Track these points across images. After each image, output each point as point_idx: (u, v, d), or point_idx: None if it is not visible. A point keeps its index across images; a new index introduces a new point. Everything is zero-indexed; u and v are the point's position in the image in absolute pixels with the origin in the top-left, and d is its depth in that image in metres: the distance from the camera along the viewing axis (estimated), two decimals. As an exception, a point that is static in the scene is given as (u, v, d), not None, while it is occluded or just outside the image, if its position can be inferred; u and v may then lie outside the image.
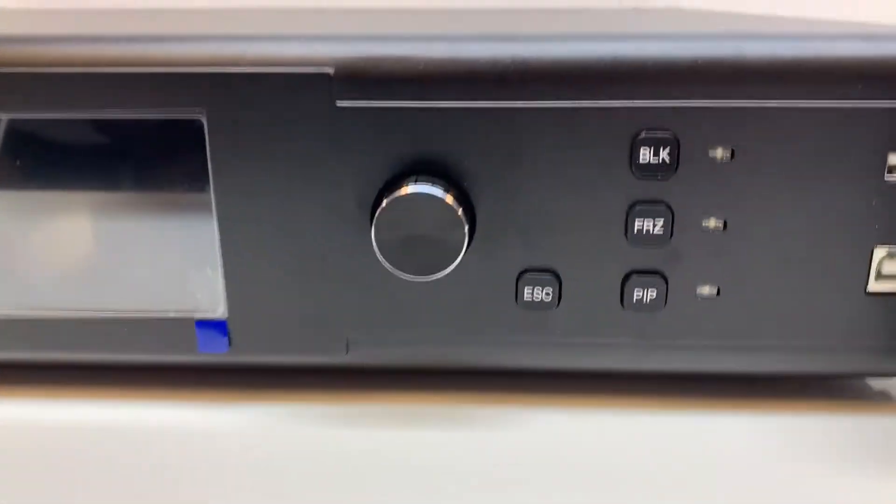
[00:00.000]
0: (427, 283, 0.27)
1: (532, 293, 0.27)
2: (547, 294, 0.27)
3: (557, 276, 0.27)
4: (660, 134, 0.25)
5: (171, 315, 0.28)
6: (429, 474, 0.25)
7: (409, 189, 0.25)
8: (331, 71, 0.25)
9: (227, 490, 0.25)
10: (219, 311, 0.28)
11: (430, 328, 0.28)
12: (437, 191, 0.25)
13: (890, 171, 0.25)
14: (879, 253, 0.26)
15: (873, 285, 0.26)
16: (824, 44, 0.25)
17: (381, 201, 0.25)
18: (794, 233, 0.26)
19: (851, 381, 0.31)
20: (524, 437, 0.27)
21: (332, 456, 0.26)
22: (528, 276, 0.27)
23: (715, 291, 0.27)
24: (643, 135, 0.25)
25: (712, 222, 0.26)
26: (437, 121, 0.25)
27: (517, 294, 0.27)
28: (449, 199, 0.25)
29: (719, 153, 0.25)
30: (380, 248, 0.25)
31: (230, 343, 0.28)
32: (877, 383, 0.31)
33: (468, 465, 0.26)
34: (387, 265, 0.25)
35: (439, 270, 0.26)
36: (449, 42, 0.25)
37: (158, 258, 0.28)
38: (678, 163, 0.25)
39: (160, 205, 0.27)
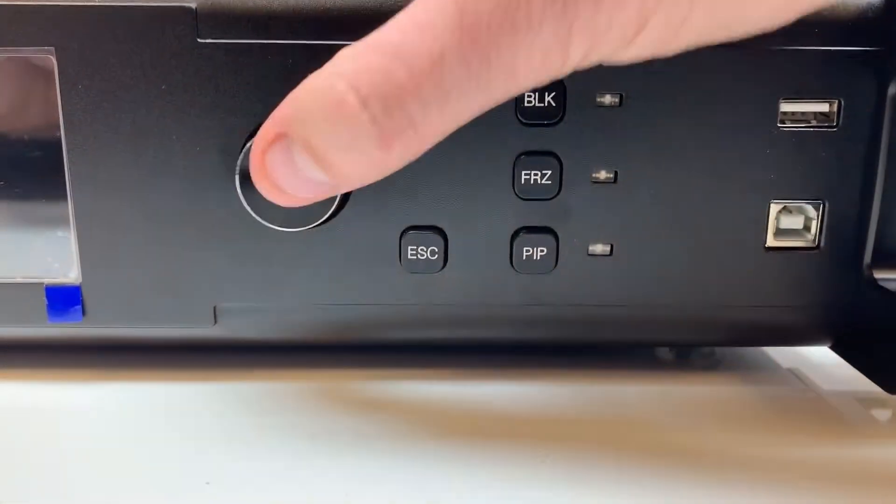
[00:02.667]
0: (302, 243, 0.25)
1: (416, 252, 0.25)
2: (433, 253, 0.25)
3: (443, 234, 0.25)
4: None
5: (18, 281, 0.25)
6: (297, 454, 0.23)
7: (276, 131, 0.23)
8: (194, 5, 0.23)
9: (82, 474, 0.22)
10: (72, 275, 0.25)
11: (306, 292, 0.25)
12: (307, 134, 0.23)
13: (783, 121, 0.25)
14: (776, 206, 0.25)
15: (772, 241, 0.25)
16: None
17: (247, 146, 0.23)
18: (688, 186, 0.25)
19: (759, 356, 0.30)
20: (416, 408, 0.25)
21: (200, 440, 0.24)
22: (411, 234, 0.25)
23: (608, 249, 0.25)
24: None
25: (602, 174, 0.25)
26: (307, 60, 0.24)
27: (400, 254, 0.25)
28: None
29: (607, 99, 0.24)
30: (245, 197, 0.23)
31: (85, 312, 0.25)
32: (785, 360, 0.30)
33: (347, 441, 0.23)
34: (254, 215, 0.23)
35: (311, 222, 0.24)
36: (320, -22, 0.24)
37: (2, 217, 0.25)
38: (564, 109, 0.24)
39: (4, 155, 0.25)
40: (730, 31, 0.19)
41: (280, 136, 0.19)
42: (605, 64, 0.19)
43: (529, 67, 0.18)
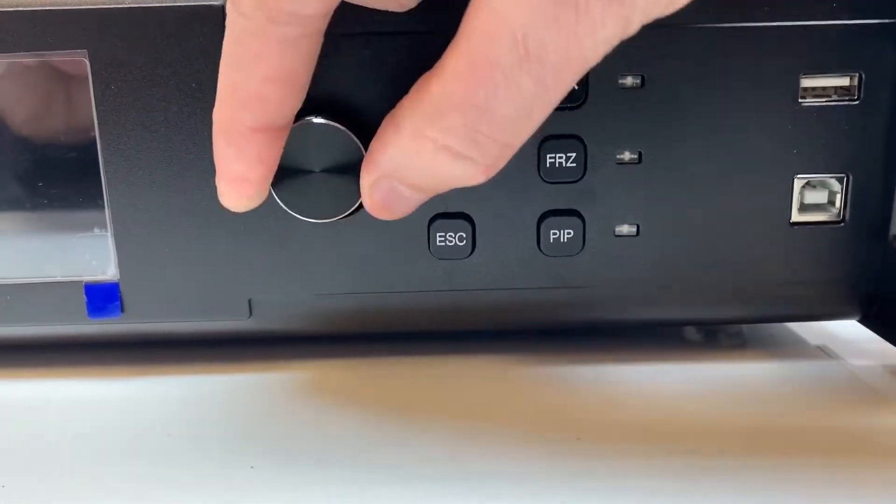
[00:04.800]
0: (333, 233, 0.25)
1: (445, 239, 0.26)
2: (461, 239, 0.26)
3: (471, 220, 0.25)
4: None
5: (59, 280, 0.26)
6: (340, 444, 0.23)
7: (306, 123, 0.23)
8: (221, 3, 0.24)
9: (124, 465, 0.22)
10: (109, 272, 0.26)
11: (337, 282, 0.26)
12: (337, 125, 0.23)
13: (803, 96, 0.25)
14: (800, 182, 0.25)
15: (796, 216, 0.26)
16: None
17: (276, 139, 0.24)
18: (711, 164, 0.25)
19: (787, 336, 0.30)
20: (449, 388, 0.26)
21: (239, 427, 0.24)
22: (439, 221, 0.25)
23: (634, 230, 0.26)
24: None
25: (626, 155, 0.25)
26: (334, 55, 0.24)
27: (429, 241, 0.26)
28: (350, 133, 0.23)
29: (629, 80, 0.24)
30: (275, 188, 0.24)
31: (123, 308, 0.26)
32: (814, 338, 0.30)
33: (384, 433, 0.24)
34: (285, 208, 0.24)
35: (342, 212, 0.24)
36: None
37: (41, 217, 0.26)
38: (587, 92, 0.24)
39: (42, 157, 0.25)
40: None
41: (384, 179, 0.21)
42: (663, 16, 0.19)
43: (596, 51, 0.18)
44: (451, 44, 0.18)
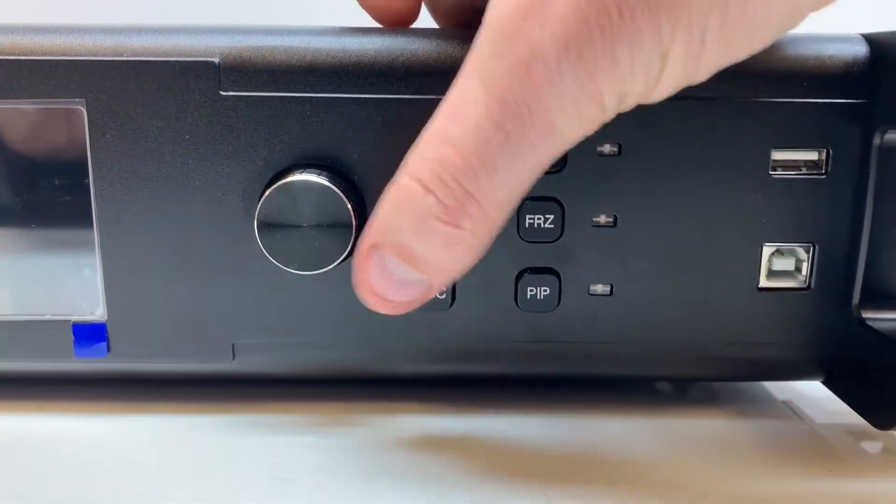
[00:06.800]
0: (316, 283, 0.26)
1: (425, 292, 0.26)
2: (441, 292, 0.26)
3: (450, 275, 0.26)
4: (548, 128, 0.25)
5: (47, 318, 0.27)
6: (321, 481, 0.24)
7: (293, 180, 0.24)
8: (217, 60, 0.25)
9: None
10: (97, 312, 0.26)
11: (320, 331, 0.27)
12: (323, 181, 0.24)
13: (774, 168, 0.26)
14: (769, 249, 0.26)
15: (764, 281, 0.27)
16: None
17: (266, 193, 0.24)
18: (685, 230, 0.26)
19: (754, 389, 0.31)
20: (418, 443, 0.26)
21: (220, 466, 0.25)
22: (420, 274, 0.26)
23: (608, 290, 0.27)
24: (532, 129, 0.25)
25: (602, 218, 0.26)
26: (324, 112, 0.25)
27: (410, 293, 0.26)
28: (336, 189, 0.24)
29: (607, 148, 0.25)
30: (263, 241, 0.24)
31: (109, 348, 0.27)
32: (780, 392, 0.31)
33: (357, 469, 0.24)
34: (270, 258, 0.25)
35: (326, 265, 0.25)
36: (335, 35, 0.25)
37: (32, 257, 0.26)
38: (566, 158, 0.25)
39: (35, 199, 0.26)
40: (750, 44, 0.19)
41: (372, 248, 0.21)
42: (644, 104, 0.19)
43: (567, 120, 0.19)
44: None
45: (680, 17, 0.17)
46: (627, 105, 0.19)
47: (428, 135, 0.20)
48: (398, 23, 0.28)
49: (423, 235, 0.20)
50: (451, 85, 0.20)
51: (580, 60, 0.18)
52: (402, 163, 0.20)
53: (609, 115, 0.19)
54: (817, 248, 0.26)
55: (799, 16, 0.19)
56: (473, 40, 0.19)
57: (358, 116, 0.25)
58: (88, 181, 0.25)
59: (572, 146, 0.20)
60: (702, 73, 0.19)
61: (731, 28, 0.18)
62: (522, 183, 0.20)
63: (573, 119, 0.19)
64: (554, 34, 0.18)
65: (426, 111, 0.25)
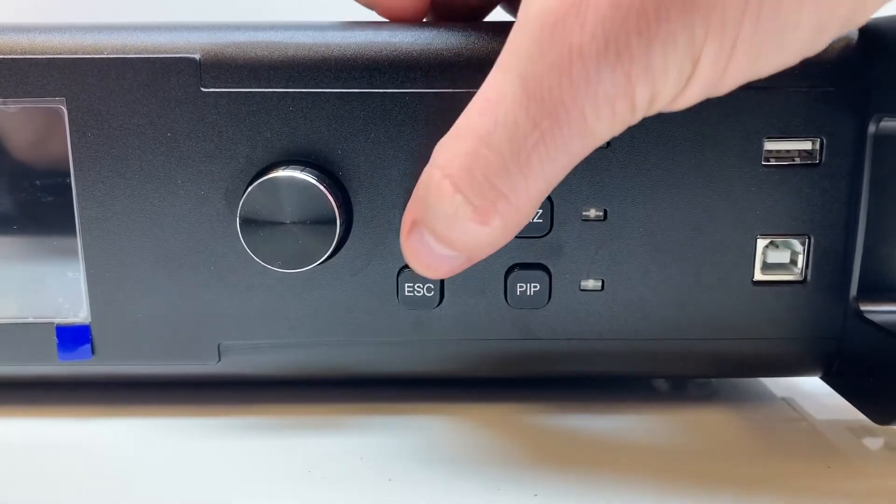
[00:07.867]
0: (303, 281, 0.26)
1: (413, 289, 0.26)
2: (429, 290, 0.26)
3: (439, 272, 0.26)
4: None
5: (30, 321, 0.26)
6: (306, 484, 0.24)
7: (276, 176, 0.24)
8: (198, 56, 0.24)
9: None
10: (81, 314, 0.26)
11: (307, 330, 0.26)
12: (307, 178, 0.24)
13: (767, 159, 0.25)
14: (763, 242, 0.26)
15: (759, 275, 0.26)
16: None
17: (248, 190, 0.24)
18: (676, 223, 0.26)
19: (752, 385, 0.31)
20: (411, 444, 0.26)
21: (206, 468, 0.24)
22: (408, 271, 0.26)
23: (599, 285, 0.26)
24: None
25: (592, 212, 0.26)
26: (307, 107, 0.25)
27: (398, 291, 0.26)
28: (320, 186, 0.24)
29: (596, 140, 0.25)
30: (245, 239, 0.24)
31: (94, 351, 0.26)
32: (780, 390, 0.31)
33: (346, 472, 0.24)
34: (253, 256, 0.24)
35: (310, 262, 0.24)
36: (316, 30, 0.25)
37: (13, 259, 0.26)
38: (555, 150, 0.25)
39: (16, 200, 0.26)
40: (776, 59, 0.19)
41: (413, 225, 0.21)
42: (667, 111, 0.19)
43: (600, 120, 0.19)
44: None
45: (712, 19, 0.17)
46: (655, 108, 0.19)
47: (460, 128, 0.20)
48: (406, 18, 0.27)
49: (455, 228, 0.20)
50: (486, 80, 0.20)
51: (618, 60, 0.18)
52: (434, 153, 0.21)
53: (637, 116, 0.19)
54: (813, 239, 0.26)
55: (826, 34, 0.19)
56: (509, 35, 0.19)
57: (341, 111, 0.25)
58: (70, 181, 0.25)
59: (598, 146, 0.20)
60: (726, 83, 0.19)
61: (761, 37, 0.18)
62: (553, 181, 0.20)
63: (606, 119, 0.19)
64: (594, 34, 0.18)
65: (411, 105, 0.25)
